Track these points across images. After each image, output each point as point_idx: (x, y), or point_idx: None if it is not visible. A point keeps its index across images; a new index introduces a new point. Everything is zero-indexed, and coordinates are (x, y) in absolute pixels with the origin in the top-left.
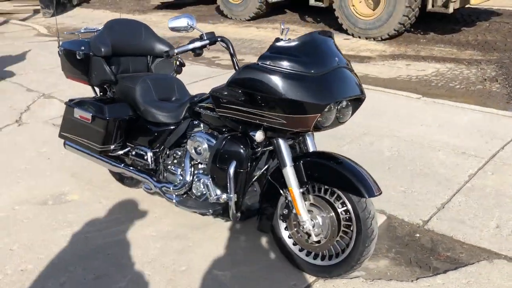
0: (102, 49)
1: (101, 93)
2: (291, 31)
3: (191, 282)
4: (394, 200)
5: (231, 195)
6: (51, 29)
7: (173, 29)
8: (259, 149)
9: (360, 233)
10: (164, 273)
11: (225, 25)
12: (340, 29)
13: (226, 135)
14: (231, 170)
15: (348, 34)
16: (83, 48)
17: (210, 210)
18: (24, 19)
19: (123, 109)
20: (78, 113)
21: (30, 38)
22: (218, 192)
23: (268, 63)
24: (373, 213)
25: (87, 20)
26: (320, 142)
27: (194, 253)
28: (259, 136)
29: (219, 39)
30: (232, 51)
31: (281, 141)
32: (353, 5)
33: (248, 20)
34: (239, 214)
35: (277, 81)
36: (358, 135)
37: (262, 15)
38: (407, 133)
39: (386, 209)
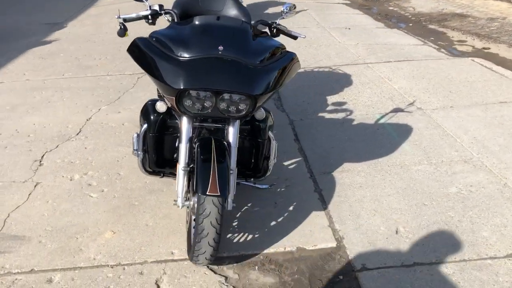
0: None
1: None
2: None
3: None
4: None
5: (139, 152)
6: None
7: None
8: (176, 120)
9: (195, 227)
10: None
11: None
12: None
13: (149, 100)
14: (140, 131)
15: None
16: None
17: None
18: None
19: None
20: None
21: None
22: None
23: (154, 39)
24: (209, 213)
25: None
26: None
27: None
28: (159, 106)
29: (163, 12)
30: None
31: (184, 119)
32: None
33: None
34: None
35: (147, 57)
36: None
37: None
38: None
39: None
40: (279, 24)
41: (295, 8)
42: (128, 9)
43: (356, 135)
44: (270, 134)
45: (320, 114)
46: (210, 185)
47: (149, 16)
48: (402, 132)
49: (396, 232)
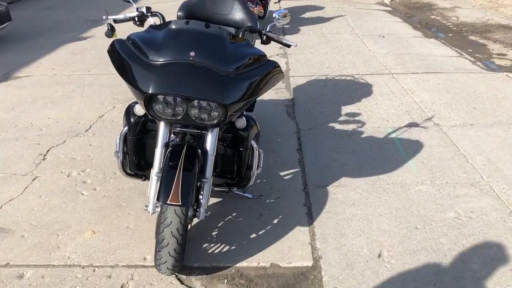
0: (177, 13)
1: None
2: None
3: None
4: None
5: (119, 154)
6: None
7: None
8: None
9: (156, 236)
10: None
11: None
12: None
13: (133, 102)
14: (121, 133)
15: None
16: None
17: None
18: None
19: None
20: None
21: (370, 5)
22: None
23: (130, 41)
24: (170, 222)
25: None
26: None
27: None
28: (137, 109)
29: (149, 14)
30: None
31: (161, 123)
32: None
33: None
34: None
35: (120, 59)
36: None
37: None
38: None
39: None
40: (268, 31)
41: (289, 15)
42: (171, 8)
43: (362, 148)
44: (253, 143)
45: (331, 124)
46: (172, 193)
47: (136, 18)
48: (411, 149)
49: (379, 255)
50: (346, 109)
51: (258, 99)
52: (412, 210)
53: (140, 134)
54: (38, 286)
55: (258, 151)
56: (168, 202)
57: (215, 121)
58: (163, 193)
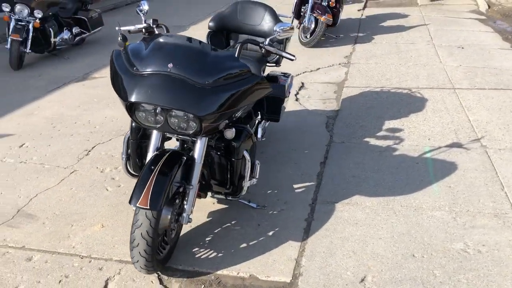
0: (209, 23)
1: None
2: None
3: None
4: None
5: (123, 155)
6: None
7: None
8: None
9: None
10: None
11: None
12: None
13: None
14: (125, 137)
15: None
16: None
17: None
18: None
19: None
20: None
21: (461, 13)
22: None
23: (124, 51)
24: (140, 224)
25: None
26: None
27: None
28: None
29: (154, 26)
30: None
31: (154, 130)
32: None
33: None
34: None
35: (113, 68)
36: None
37: None
38: None
39: None
40: (266, 45)
41: (292, 30)
42: None
43: (389, 166)
44: (246, 154)
45: (366, 139)
46: (142, 196)
47: (143, 30)
48: (442, 171)
49: (362, 280)
50: (389, 124)
51: (300, 108)
52: (416, 237)
53: (141, 138)
54: (39, 269)
55: (253, 162)
56: (137, 205)
57: (193, 131)
58: (134, 196)
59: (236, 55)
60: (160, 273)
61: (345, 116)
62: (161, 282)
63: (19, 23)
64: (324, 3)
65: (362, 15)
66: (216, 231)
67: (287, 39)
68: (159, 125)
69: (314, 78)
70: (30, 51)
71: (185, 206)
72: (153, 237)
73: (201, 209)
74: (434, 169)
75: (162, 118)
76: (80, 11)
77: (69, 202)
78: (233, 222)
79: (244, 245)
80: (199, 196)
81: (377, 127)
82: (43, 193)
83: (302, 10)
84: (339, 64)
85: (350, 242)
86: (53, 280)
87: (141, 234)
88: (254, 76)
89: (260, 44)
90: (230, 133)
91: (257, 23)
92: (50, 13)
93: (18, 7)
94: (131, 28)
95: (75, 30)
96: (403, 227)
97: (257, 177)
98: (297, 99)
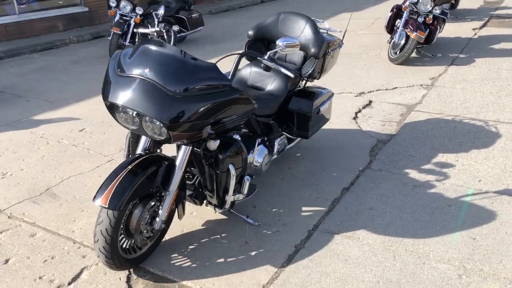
0: (248, 32)
1: None
2: None
3: None
4: None
5: (125, 153)
6: None
7: None
8: None
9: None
10: None
11: None
12: None
13: None
14: (127, 136)
15: None
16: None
17: None
18: None
19: None
20: None
21: None
22: None
23: (120, 54)
24: (102, 221)
25: None
26: None
27: None
28: None
29: (164, 31)
30: (174, 43)
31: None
32: None
33: None
34: None
35: (106, 69)
36: None
37: None
38: None
39: None
40: (266, 59)
41: (297, 45)
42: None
43: (415, 204)
44: (231, 168)
45: (407, 170)
46: (103, 195)
47: (155, 34)
48: (475, 219)
49: None
50: (441, 157)
51: (353, 127)
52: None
53: (139, 138)
54: (35, 246)
55: (239, 178)
56: (96, 202)
57: (162, 138)
58: (98, 193)
59: (230, 70)
60: (131, 271)
61: (398, 142)
62: (128, 280)
63: (123, 17)
64: (421, 19)
65: (475, 34)
66: (203, 240)
67: (327, 54)
68: (135, 128)
69: (386, 97)
70: (129, 43)
71: (159, 211)
72: (112, 236)
73: (201, 216)
74: (465, 215)
75: (137, 120)
76: (182, 11)
77: (92, 188)
78: (223, 235)
79: (221, 260)
80: (194, 203)
81: (426, 159)
82: (75, 176)
83: (396, 24)
84: (421, 85)
85: (328, 279)
86: (39, 259)
87: (101, 231)
88: (232, 90)
89: (258, 58)
90: (213, 145)
91: (296, 35)
92: (151, 11)
93: (122, 3)
94: (147, 30)
95: (175, 28)
96: (395, 274)
97: (244, 193)
98: (355, 118)
